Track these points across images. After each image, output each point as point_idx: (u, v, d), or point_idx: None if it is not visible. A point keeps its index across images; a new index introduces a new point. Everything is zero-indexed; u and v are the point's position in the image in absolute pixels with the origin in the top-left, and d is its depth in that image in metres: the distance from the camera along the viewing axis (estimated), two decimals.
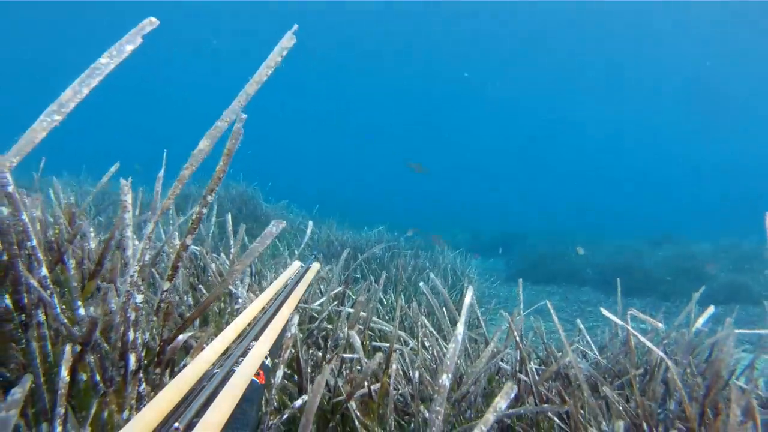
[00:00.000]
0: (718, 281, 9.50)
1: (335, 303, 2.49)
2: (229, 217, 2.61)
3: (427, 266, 6.95)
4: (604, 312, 1.64)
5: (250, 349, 0.84)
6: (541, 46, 47.20)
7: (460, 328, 0.91)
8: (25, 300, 1.09)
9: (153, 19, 0.80)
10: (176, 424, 0.60)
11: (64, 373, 0.97)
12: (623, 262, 11.07)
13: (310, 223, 3.15)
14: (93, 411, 1.06)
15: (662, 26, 42.16)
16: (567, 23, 43.30)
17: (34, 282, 1.05)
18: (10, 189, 0.93)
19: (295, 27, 0.94)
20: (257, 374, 0.81)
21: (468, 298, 1.11)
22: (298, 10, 41.06)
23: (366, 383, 1.59)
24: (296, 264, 1.56)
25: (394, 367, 1.50)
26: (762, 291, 8.92)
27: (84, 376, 1.11)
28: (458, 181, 57.53)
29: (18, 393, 0.75)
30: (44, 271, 1.09)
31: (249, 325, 1.01)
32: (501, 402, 0.69)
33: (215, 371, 0.77)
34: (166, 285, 1.20)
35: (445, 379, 0.81)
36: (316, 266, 1.54)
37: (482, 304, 6.81)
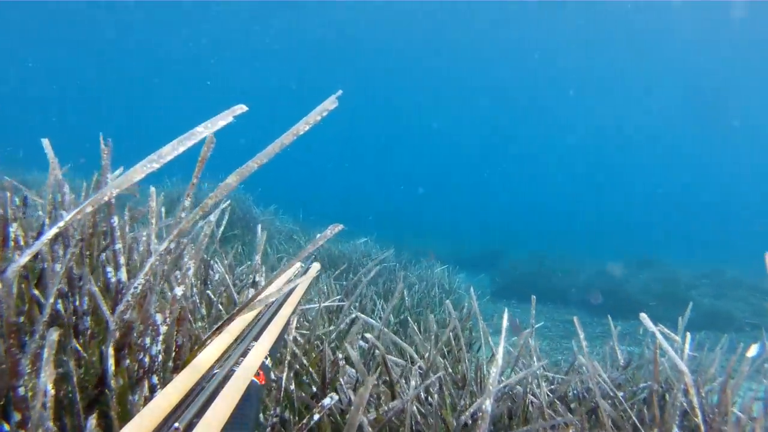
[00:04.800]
0: (700, 308, 9.60)
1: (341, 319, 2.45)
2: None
3: (416, 281, 6.95)
4: (644, 318, 1.62)
5: (249, 350, 0.85)
6: (520, 50, 46.67)
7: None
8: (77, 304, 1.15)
9: (243, 106, 0.88)
10: (176, 424, 0.61)
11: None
12: (607, 285, 11.14)
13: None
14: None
15: (656, 45, 41.74)
16: (548, 26, 42.48)
17: (94, 288, 1.13)
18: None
19: (339, 92, 0.99)
20: (257, 374, 0.83)
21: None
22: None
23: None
24: (296, 264, 1.53)
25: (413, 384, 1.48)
26: (744, 318, 9.04)
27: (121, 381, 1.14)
28: (444, 195, 57.70)
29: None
30: (123, 275, 1.17)
31: (249, 325, 1.03)
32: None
33: (215, 371, 0.79)
34: (180, 289, 1.22)
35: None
36: (316, 266, 1.54)
37: (474, 319, 6.77)
